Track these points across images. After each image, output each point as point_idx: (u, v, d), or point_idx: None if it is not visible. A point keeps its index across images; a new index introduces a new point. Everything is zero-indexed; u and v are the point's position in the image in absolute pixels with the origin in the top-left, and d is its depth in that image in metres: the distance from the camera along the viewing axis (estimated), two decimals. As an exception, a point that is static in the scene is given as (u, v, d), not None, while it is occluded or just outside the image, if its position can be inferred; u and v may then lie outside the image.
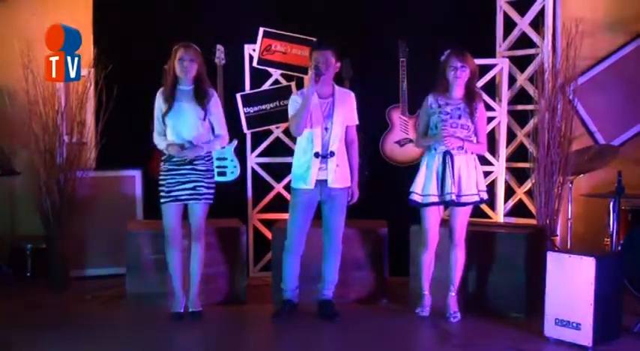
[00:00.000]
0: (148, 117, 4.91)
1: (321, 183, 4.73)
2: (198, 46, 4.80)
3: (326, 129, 4.71)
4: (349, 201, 4.85)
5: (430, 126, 4.77)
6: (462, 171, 4.67)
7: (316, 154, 4.71)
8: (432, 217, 4.74)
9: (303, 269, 4.99)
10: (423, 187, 4.70)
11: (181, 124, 4.71)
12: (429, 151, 4.74)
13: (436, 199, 4.67)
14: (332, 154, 4.72)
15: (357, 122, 4.87)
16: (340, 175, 4.76)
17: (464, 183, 4.66)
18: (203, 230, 4.84)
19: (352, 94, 4.88)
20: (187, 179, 4.73)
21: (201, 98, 4.74)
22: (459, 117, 4.68)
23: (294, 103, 4.76)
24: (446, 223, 4.84)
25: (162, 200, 4.75)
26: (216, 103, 4.83)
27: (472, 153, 4.73)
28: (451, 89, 4.74)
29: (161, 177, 4.78)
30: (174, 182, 4.73)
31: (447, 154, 4.65)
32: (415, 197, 4.72)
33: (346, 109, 4.78)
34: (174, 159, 4.72)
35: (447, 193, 4.64)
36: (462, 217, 4.74)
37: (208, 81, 4.89)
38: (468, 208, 4.74)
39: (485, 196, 4.78)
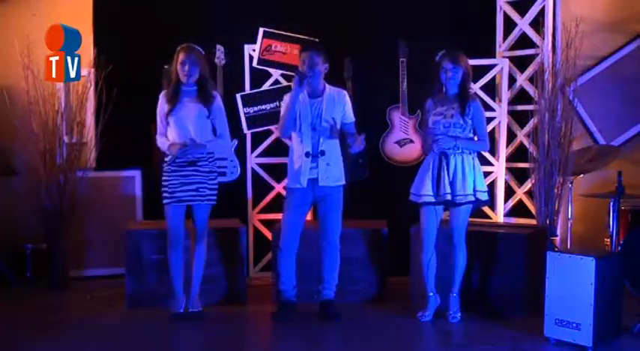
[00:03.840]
0: (148, 117, 4.91)
1: (313, 182, 4.76)
2: (199, 46, 4.80)
3: (314, 129, 4.74)
4: (354, 141, 4.74)
5: (433, 128, 4.78)
6: (457, 171, 4.68)
7: (307, 154, 4.74)
8: (428, 217, 4.75)
9: (305, 270, 4.99)
10: (420, 187, 4.73)
11: (185, 121, 4.71)
12: (431, 152, 4.76)
13: (432, 199, 4.69)
14: (322, 153, 4.75)
15: (354, 119, 4.89)
16: (331, 173, 4.78)
17: (459, 183, 4.67)
18: (206, 230, 4.85)
19: (344, 93, 4.91)
20: (191, 180, 4.73)
21: (205, 99, 4.76)
22: (452, 116, 4.70)
23: (283, 103, 4.82)
24: (446, 224, 4.84)
25: (165, 201, 4.75)
26: (219, 106, 4.84)
27: (471, 152, 4.74)
28: (445, 90, 4.78)
29: (164, 178, 4.78)
30: (177, 183, 4.73)
31: (442, 154, 4.68)
32: (412, 197, 4.77)
33: (338, 108, 4.79)
34: (178, 160, 4.72)
35: (443, 194, 4.66)
36: (460, 218, 4.74)
37: (212, 82, 4.90)
38: (466, 209, 4.74)
39: (484, 197, 4.75)
